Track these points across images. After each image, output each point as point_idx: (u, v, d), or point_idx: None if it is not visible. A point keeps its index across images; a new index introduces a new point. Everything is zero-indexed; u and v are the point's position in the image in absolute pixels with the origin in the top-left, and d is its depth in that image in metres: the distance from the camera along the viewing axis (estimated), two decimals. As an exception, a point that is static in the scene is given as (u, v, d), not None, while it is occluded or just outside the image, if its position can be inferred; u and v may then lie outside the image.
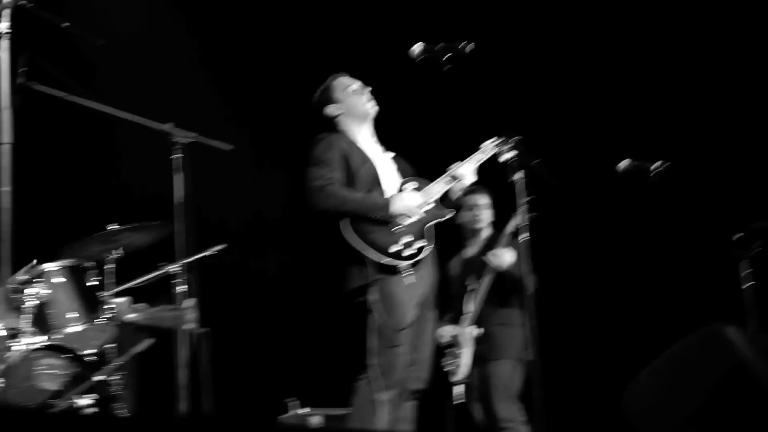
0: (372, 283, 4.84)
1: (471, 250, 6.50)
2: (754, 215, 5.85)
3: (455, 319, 6.30)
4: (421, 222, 5.01)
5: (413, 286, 4.92)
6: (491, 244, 6.29)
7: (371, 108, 5.23)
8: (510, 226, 6.12)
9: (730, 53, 7.58)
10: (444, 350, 6.22)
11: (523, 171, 4.71)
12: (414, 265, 4.94)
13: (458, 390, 6.21)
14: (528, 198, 4.75)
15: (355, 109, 5.22)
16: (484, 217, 6.44)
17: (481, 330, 6.21)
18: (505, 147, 4.85)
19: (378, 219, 4.89)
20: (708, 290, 7.12)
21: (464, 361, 6.21)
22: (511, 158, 4.75)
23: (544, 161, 4.77)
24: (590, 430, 7.38)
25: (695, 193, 5.66)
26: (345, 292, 4.95)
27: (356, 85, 5.26)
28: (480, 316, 6.23)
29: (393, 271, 4.89)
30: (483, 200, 6.43)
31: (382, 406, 4.83)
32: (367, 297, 4.85)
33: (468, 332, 6.22)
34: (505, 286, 6.21)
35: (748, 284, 5.73)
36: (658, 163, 5.54)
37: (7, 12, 3.34)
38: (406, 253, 4.92)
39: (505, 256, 6.13)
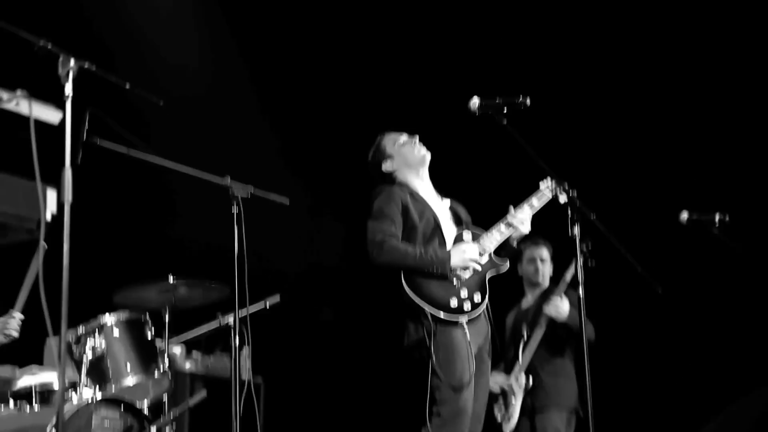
0: (431, 338, 4.82)
1: (527, 301, 6.45)
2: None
3: (507, 369, 6.24)
4: (479, 275, 4.99)
5: (471, 340, 4.90)
6: (548, 294, 6.23)
7: (424, 154, 5.26)
8: (567, 276, 6.06)
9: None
10: (495, 400, 6.15)
11: (579, 223, 4.66)
12: (471, 319, 4.93)
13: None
14: (585, 249, 4.73)
15: (409, 159, 5.25)
16: (546, 271, 6.40)
17: (529, 380, 6.15)
18: (561, 189, 4.81)
19: (436, 274, 4.88)
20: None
21: (515, 411, 6.13)
22: (569, 200, 4.70)
23: (601, 214, 4.72)
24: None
25: (759, 246, 5.57)
26: (403, 347, 4.94)
27: (404, 136, 5.30)
28: (532, 365, 6.17)
29: (452, 325, 4.88)
30: (545, 254, 6.38)
31: None
32: (425, 352, 4.83)
33: (520, 381, 6.16)
34: (559, 335, 6.14)
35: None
36: (720, 215, 5.48)
37: (71, 75, 3.37)
38: (466, 307, 4.90)
39: (562, 306, 6.07)
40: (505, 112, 4.70)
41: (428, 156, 5.26)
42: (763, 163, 7.46)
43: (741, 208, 5.79)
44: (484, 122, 4.71)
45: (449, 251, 4.96)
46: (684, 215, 5.56)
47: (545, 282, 6.40)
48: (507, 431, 6.12)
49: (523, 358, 6.17)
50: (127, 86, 3.66)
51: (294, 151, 8.02)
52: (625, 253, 4.60)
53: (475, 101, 4.75)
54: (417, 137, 5.27)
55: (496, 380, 6.13)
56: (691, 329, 7.09)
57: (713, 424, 3.48)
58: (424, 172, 5.28)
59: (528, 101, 4.70)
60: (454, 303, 4.89)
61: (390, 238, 4.94)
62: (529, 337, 6.17)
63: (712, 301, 6.16)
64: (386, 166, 5.27)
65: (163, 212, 7.49)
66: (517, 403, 6.14)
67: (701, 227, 5.49)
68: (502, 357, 6.24)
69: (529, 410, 6.15)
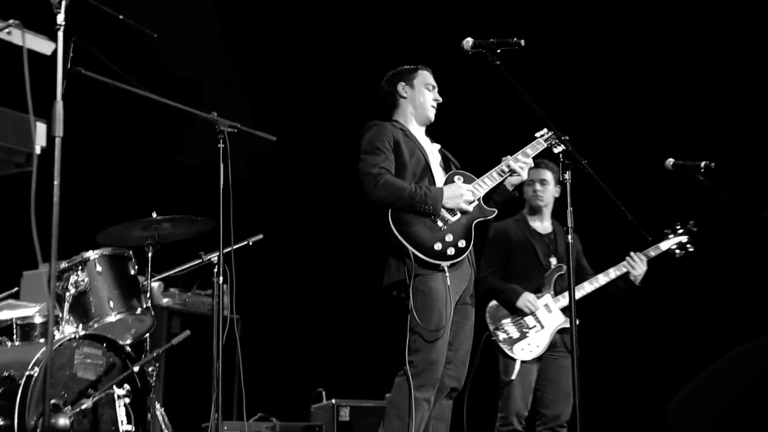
0: (412, 280, 4.80)
1: (541, 226, 6.28)
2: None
3: (533, 289, 6.07)
4: (465, 221, 4.96)
5: (452, 285, 4.89)
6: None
7: (432, 115, 5.25)
8: (663, 246, 6.08)
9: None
10: (514, 321, 6.04)
11: (570, 171, 4.64)
12: (454, 264, 4.90)
13: (516, 367, 5.96)
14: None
15: (422, 105, 5.23)
16: (546, 194, 6.22)
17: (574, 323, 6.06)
18: (557, 139, 4.78)
19: (425, 212, 4.85)
20: (757, 296, 7.04)
21: (542, 342, 6.02)
22: (563, 151, 4.68)
23: (592, 160, 4.71)
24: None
25: (741, 193, 5.58)
26: (383, 285, 4.92)
27: (435, 88, 5.27)
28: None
29: (433, 268, 4.86)
30: (546, 176, 6.21)
31: (419, 404, 4.80)
32: (404, 293, 4.82)
33: (555, 316, 6.03)
34: (618, 287, 6.10)
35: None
36: (706, 162, 5.48)
37: (63, 4, 3.27)
38: (449, 252, 4.87)
39: (643, 268, 6.04)
40: (498, 52, 4.67)
41: (432, 118, 5.24)
42: (750, 113, 7.48)
43: (727, 157, 5.81)
44: (476, 62, 4.66)
45: (442, 188, 4.93)
46: (670, 162, 5.55)
47: (545, 204, 6.25)
48: (521, 356, 5.98)
49: (561, 296, 6.02)
50: (120, 17, 3.57)
51: (280, 93, 7.92)
52: (616, 201, 4.58)
53: (468, 40, 4.72)
54: (440, 100, 5.24)
55: (528, 299, 5.99)
56: (679, 278, 7.12)
57: (704, 375, 3.48)
58: (422, 127, 5.26)
59: (522, 43, 4.67)
60: (438, 246, 4.85)
61: (386, 172, 4.91)
62: (563, 272, 6.04)
63: (699, 251, 6.17)
64: (400, 89, 5.24)
65: (150, 147, 7.40)
66: (545, 336, 5.99)
67: (687, 174, 5.49)
68: (518, 275, 6.14)
69: (550, 348, 6.02)
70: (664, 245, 6.14)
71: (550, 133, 5.03)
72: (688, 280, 7.22)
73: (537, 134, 5.13)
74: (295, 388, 7.44)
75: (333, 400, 6.82)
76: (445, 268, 4.86)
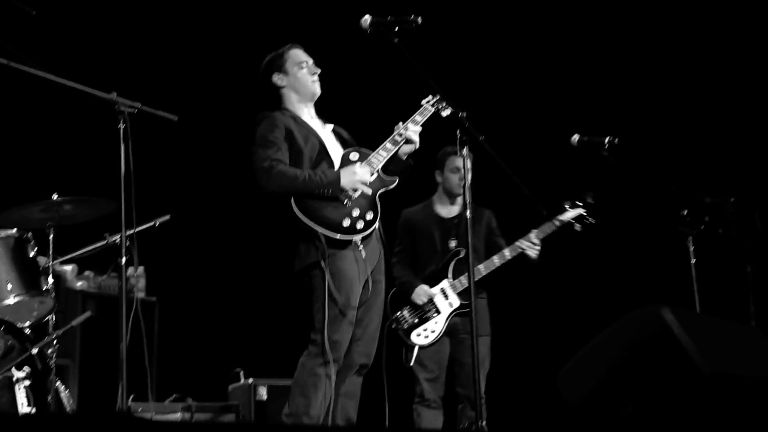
0: (323, 259, 4.82)
1: (448, 211, 6.36)
2: (703, 191, 5.88)
3: (430, 280, 6.18)
4: (368, 194, 4.98)
5: (362, 261, 4.93)
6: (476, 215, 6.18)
7: (316, 89, 5.22)
8: (557, 221, 6.09)
9: (682, 25, 7.60)
10: (412, 308, 6.13)
11: (467, 147, 4.66)
12: (364, 238, 4.94)
13: (414, 353, 6.07)
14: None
15: (302, 86, 5.20)
16: (459, 180, 6.24)
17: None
18: (444, 103, 4.79)
19: (326, 195, 4.86)
20: (657, 267, 7.16)
21: (437, 327, 6.09)
22: (451, 115, 4.67)
23: (490, 137, 4.73)
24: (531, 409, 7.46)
25: (645, 168, 5.66)
26: (296, 269, 4.93)
27: (309, 62, 5.24)
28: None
29: (344, 245, 4.89)
30: (468, 164, 6.25)
31: (322, 380, 4.84)
32: (316, 273, 4.84)
33: (451, 300, 6.12)
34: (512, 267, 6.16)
35: (694, 261, 5.78)
36: (610, 138, 5.54)
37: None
38: (359, 226, 4.90)
39: (538, 246, 6.09)
40: (396, 30, 4.66)
41: (318, 91, 5.21)
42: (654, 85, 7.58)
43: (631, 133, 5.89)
44: (374, 40, 4.67)
45: (338, 171, 4.94)
46: (575, 137, 5.61)
47: (461, 193, 6.18)
48: (418, 342, 6.07)
49: (458, 280, 6.11)
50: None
51: (183, 70, 7.85)
52: (512, 175, 4.62)
53: (366, 18, 4.70)
54: (318, 71, 5.21)
55: (420, 293, 6.11)
56: (578, 250, 7.21)
57: (591, 344, 3.54)
58: (311, 104, 5.24)
59: (419, 20, 4.67)
60: (346, 222, 4.88)
61: (278, 163, 4.91)
62: (462, 255, 6.11)
63: (599, 223, 6.24)
64: (276, 79, 5.22)
65: (48, 129, 7.31)
66: (440, 321, 6.10)
67: (591, 149, 5.56)
68: (421, 263, 6.25)
69: (453, 331, 6.12)
70: (563, 217, 6.16)
71: (435, 98, 5.03)
72: (588, 254, 7.34)
73: (423, 101, 5.13)
74: (212, 369, 7.42)
75: (250, 380, 6.82)
76: (358, 243, 4.90)
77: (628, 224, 7.30)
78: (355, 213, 4.91)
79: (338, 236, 4.85)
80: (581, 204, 6.20)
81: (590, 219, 6.18)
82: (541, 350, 7.48)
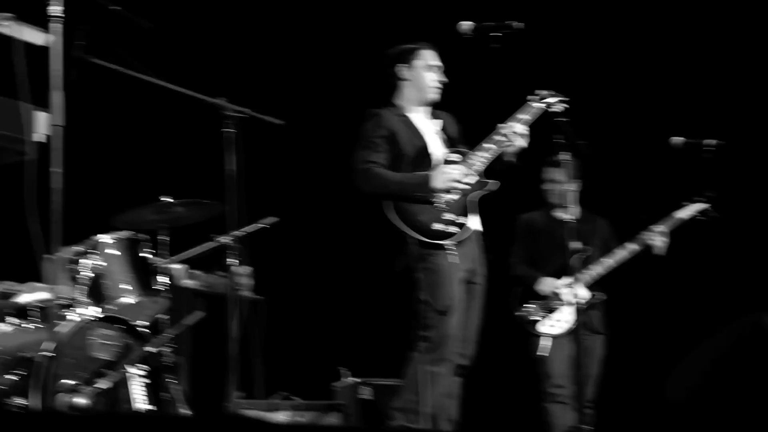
0: (417, 263, 4.88)
1: (564, 214, 6.27)
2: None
3: (554, 274, 6.20)
4: (463, 197, 5.00)
5: (457, 263, 4.95)
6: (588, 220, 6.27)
7: (436, 96, 5.20)
8: (679, 214, 6.10)
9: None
10: (538, 302, 6.17)
11: (569, 152, 4.67)
12: (457, 242, 4.97)
13: (545, 343, 6.11)
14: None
15: (423, 87, 5.18)
16: (561, 192, 6.22)
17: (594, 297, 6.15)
18: (553, 100, 4.79)
19: (419, 198, 4.91)
20: (758, 276, 7.02)
21: (563, 319, 6.12)
22: (561, 111, 4.67)
23: (591, 140, 4.74)
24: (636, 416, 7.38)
25: (749, 173, 5.60)
26: (396, 269, 5.01)
27: (438, 66, 5.21)
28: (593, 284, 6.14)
29: (436, 249, 4.92)
30: (557, 175, 6.28)
31: (434, 377, 4.89)
32: (414, 274, 4.89)
33: (579, 293, 6.07)
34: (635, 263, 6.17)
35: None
36: (713, 141, 5.50)
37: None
38: (451, 230, 4.93)
39: (664, 241, 6.10)
40: (497, 35, 4.68)
41: (435, 100, 5.20)
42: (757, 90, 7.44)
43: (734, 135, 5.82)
44: (475, 45, 4.70)
45: (430, 174, 4.95)
46: (676, 139, 5.58)
47: (564, 202, 6.15)
48: (547, 331, 6.11)
49: (586, 274, 6.11)
50: (115, 8, 3.67)
51: (292, 75, 7.97)
52: (614, 179, 4.62)
53: (466, 23, 4.73)
54: (444, 80, 5.19)
55: (546, 283, 6.17)
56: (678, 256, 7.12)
57: (697, 353, 3.55)
58: (425, 108, 5.23)
59: (522, 26, 4.68)
60: (437, 226, 4.92)
61: (373, 165, 4.97)
62: (590, 253, 6.15)
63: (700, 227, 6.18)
64: (400, 70, 5.20)
65: (159, 133, 7.50)
66: (565, 314, 6.11)
67: (693, 151, 5.52)
68: (542, 262, 6.29)
69: (577, 328, 6.03)
70: (683, 213, 6.13)
71: (540, 95, 4.97)
72: (706, 255, 7.23)
73: (528, 97, 5.04)
74: (317, 367, 7.51)
75: (355, 379, 6.89)
76: (450, 246, 4.93)
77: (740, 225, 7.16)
78: (448, 216, 4.95)
79: (427, 240, 4.90)
80: (703, 199, 6.14)
81: (715, 212, 6.11)
82: (657, 352, 7.39)
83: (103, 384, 4.69)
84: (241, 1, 7.86)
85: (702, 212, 6.12)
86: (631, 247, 6.13)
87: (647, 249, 6.12)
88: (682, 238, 6.17)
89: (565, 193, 6.24)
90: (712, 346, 3.54)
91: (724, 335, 3.50)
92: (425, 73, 5.17)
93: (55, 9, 3.38)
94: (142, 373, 4.85)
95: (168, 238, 5.57)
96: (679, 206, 6.15)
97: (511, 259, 6.34)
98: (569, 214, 6.28)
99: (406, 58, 5.20)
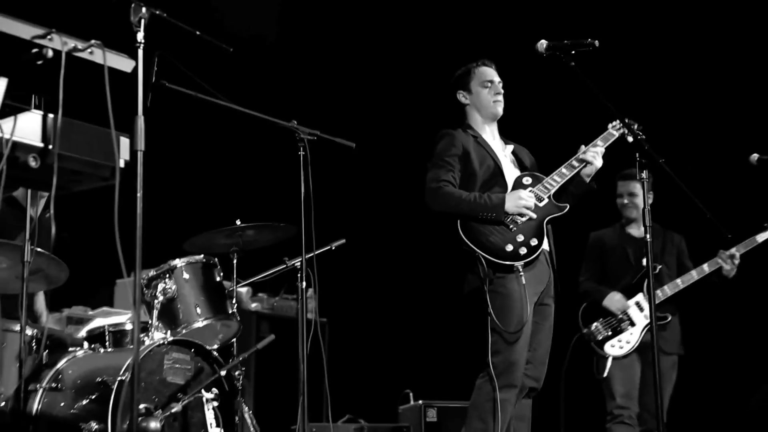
0: (487, 284, 4.84)
1: (639, 232, 6.28)
2: None
3: (624, 293, 6.15)
4: (536, 219, 4.98)
5: (528, 285, 4.91)
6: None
7: (498, 109, 5.25)
8: (759, 238, 6.04)
9: None
10: (605, 320, 6.11)
11: (647, 170, 4.60)
12: (528, 263, 4.93)
13: (607, 363, 6.04)
14: None
15: (483, 106, 5.25)
16: (636, 205, 6.25)
17: (668, 317, 6.08)
18: (629, 129, 4.75)
19: (491, 219, 4.88)
20: None
21: (632, 338, 6.05)
22: (636, 141, 4.63)
23: (669, 159, 4.67)
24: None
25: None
26: (464, 292, 4.97)
27: (494, 80, 5.26)
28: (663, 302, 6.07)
29: (508, 270, 4.89)
30: (633, 189, 6.27)
31: (501, 404, 4.84)
32: (482, 297, 4.86)
33: (646, 312, 6.02)
34: (712, 282, 6.11)
35: None
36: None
37: (143, 23, 3.40)
38: (522, 252, 4.89)
39: (735, 263, 6.06)
40: (573, 53, 4.64)
41: (500, 112, 5.25)
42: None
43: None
44: (551, 64, 4.66)
45: (504, 196, 4.96)
46: (754, 156, 5.50)
47: (639, 216, 6.22)
48: (612, 353, 6.04)
49: (658, 292, 6.04)
50: (197, 33, 3.68)
51: (362, 98, 7.99)
52: (693, 198, 4.55)
53: (542, 42, 4.69)
54: (502, 92, 5.25)
55: (614, 299, 6.09)
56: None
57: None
58: (493, 123, 5.28)
59: (596, 43, 4.64)
60: (509, 248, 4.90)
61: (446, 184, 4.97)
62: (661, 271, 6.13)
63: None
64: (460, 97, 5.30)
65: (231, 156, 7.54)
66: (635, 332, 6.05)
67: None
68: (614, 278, 6.23)
69: (645, 349, 6.02)
70: (761, 237, 6.05)
71: (621, 123, 5.05)
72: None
73: (609, 125, 5.17)
74: (382, 389, 7.50)
75: (420, 401, 6.86)
76: (520, 268, 4.89)
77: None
78: (520, 238, 4.92)
79: (498, 261, 4.87)
80: None
81: None
82: (732, 373, 7.28)
83: (175, 408, 4.68)
84: (313, 25, 7.90)
85: None
86: (702, 270, 6.07)
87: (717, 271, 6.03)
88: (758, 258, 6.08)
89: (641, 207, 6.18)
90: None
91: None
92: (482, 91, 5.25)
93: (139, 36, 3.37)
94: (213, 396, 4.83)
95: (235, 261, 5.57)
96: (762, 228, 6.05)
97: (580, 276, 6.34)
98: (644, 229, 6.24)
99: (462, 82, 5.31)
